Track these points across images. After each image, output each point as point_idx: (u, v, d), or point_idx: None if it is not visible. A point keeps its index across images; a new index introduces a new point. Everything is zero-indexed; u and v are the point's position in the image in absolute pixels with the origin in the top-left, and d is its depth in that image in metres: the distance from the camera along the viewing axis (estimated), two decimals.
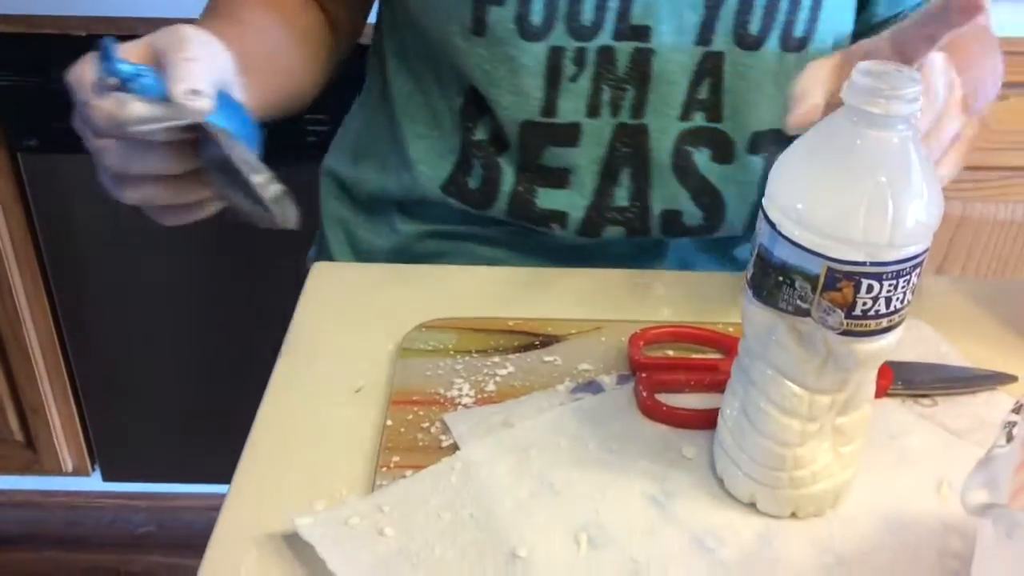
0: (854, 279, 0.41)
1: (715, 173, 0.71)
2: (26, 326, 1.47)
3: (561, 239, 0.74)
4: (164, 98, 0.45)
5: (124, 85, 0.45)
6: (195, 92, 0.45)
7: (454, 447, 0.54)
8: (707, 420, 0.54)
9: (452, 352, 0.61)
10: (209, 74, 0.47)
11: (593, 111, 0.68)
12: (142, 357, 1.52)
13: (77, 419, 1.58)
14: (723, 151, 0.70)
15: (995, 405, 0.57)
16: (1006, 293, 0.68)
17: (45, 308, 1.47)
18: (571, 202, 0.72)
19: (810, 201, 0.42)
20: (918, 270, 0.42)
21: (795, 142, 0.43)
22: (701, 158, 0.70)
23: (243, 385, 0.85)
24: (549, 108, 0.68)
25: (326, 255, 0.85)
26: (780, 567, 0.47)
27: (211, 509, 0.50)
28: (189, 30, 0.49)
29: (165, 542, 1.63)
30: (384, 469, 0.53)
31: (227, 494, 0.52)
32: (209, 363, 1.48)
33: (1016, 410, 0.38)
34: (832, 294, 0.42)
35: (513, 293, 0.69)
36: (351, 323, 0.65)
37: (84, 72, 0.46)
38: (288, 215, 0.48)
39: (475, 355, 0.61)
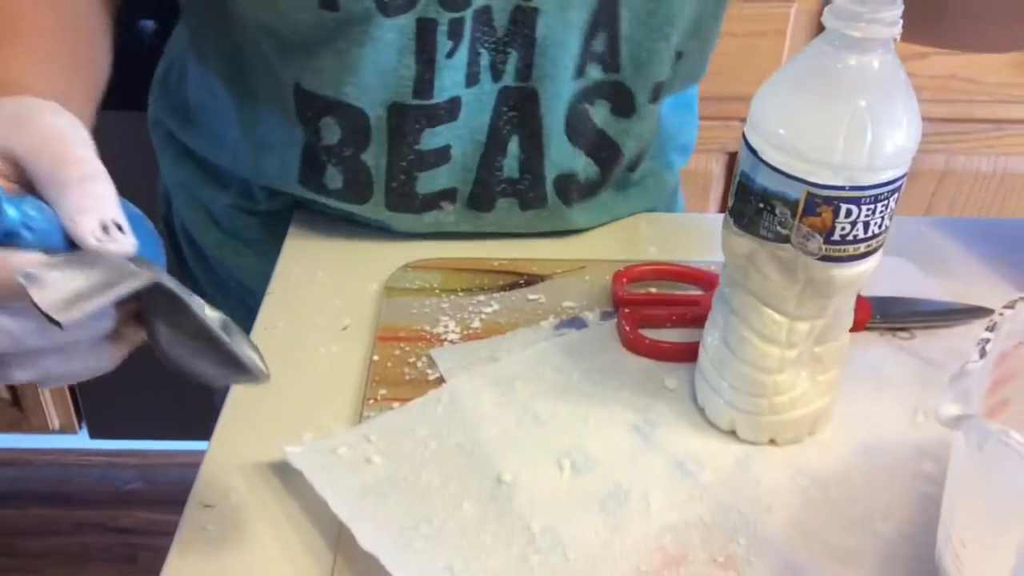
0: (833, 203, 0.42)
1: (613, 127, 0.64)
2: None
3: (454, 219, 0.67)
4: (64, 244, 0.34)
5: (5, 237, 0.33)
6: (108, 227, 0.34)
7: (440, 380, 0.55)
8: (688, 353, 0.54)
9: (437, 291, 0.62)
10: (113, 189, 0.36)
11: (472, 80, 0.59)
12: None
13: None
14: (623, 104, 0.63)
15: (972, 338, 0.57)
16: (984, 231, 0.69)
17: None
18: (455, 176, 0.64)
19: (791, 126, 0.42)
20: (896, 195, 0.43)
21: (779, 69, 0.44)
22: (599, 113, 0.63)
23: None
24: (422, 89, 0.58)
25: (177, 220, 0.76)
26: (758, 489, 0.48)
27: (198, 465, 0.50)
28: (52, 115, 0.37)
29: (152, 498, 1.64)
30: (371, 402, 0.53)
31: (216, 427, 0.53)
32: None
33: (990, 328, 0.39)
34: (811, 219, 0.43)
35: (498, 235, 0.69)
36: (335, 264, 0.65)
37: None
38: (261, 365, 0.39)
39: (460, 294, 0.62)
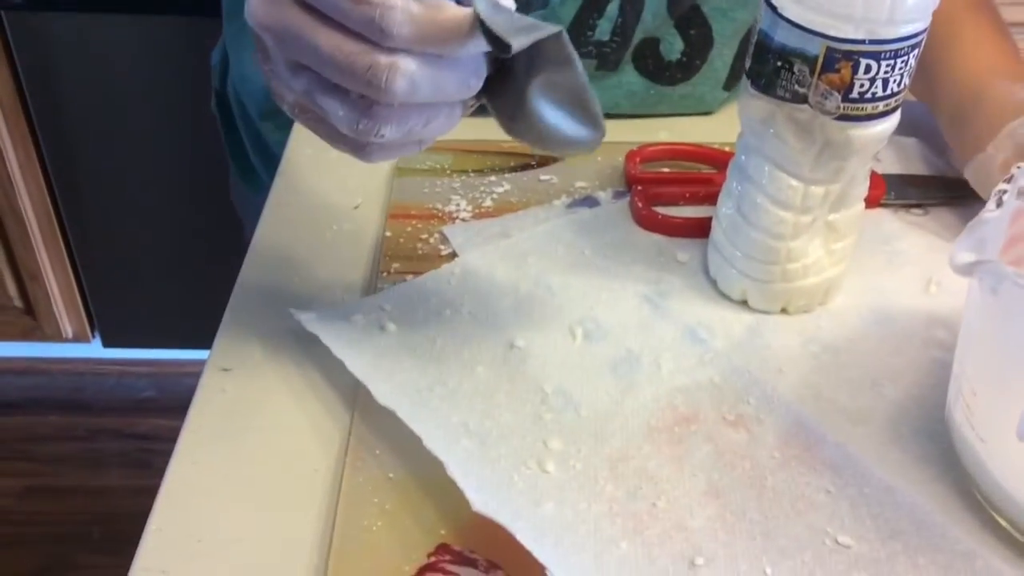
0: (852, 59, 0.41)
1: (709, 4, 0.64)
2: (19, 191, 1.46)
3: None
4: None
5: None
6: None
7: (453, 255, 0.55)
8: (701, 228, 0.54)
9: (448, 171, 0.62)
10: None
11: None
12: (138, 221, 1.52)
13: (75, 285, 1.59)
14: None
15: None
16: None
17: (37, 173, 1.46)
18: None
19: None
20: (916, 51, 0.42)
21: None
22: None
23: (242, 248, 0.85)
24: None
25: (231, 87, 0.79)
26: (769, 354, 0.48)
27: None
28: None
29: (167, 406, 1.67)
30: (384, 275, 0.54)
31: (229, 301, 0.53)
32: (207, 225, 1.48)
33: (1007, 179, 0.39)
34: (830, 76, 0.42)
35: None
36: None
37: None
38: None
39: (472, 174, 0.62)
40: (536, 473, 0.41)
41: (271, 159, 0.77)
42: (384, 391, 0.45)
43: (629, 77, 0.67)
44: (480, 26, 0.33)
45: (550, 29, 0.35)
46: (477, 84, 0.37)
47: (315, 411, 0.46)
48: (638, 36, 0.64)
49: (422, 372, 0.46)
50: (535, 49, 0.35)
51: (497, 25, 0.33)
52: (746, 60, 0.46)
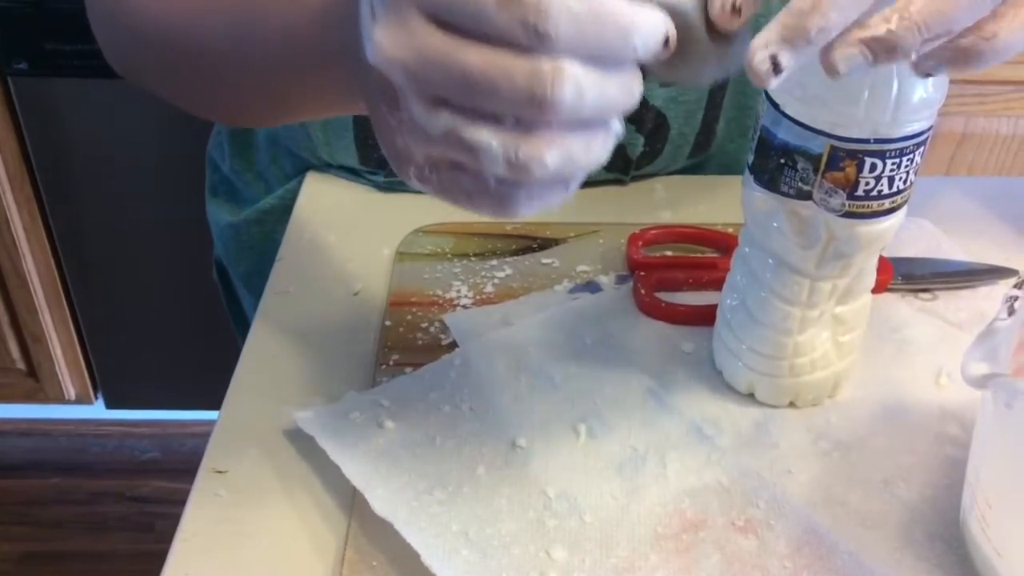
0: (857, 157, 0.41)
1: (660, 97, 0.65)
2: (23, 254, 1.46)
3: None
4: None
5: None
6: None
7: (453, 345, 0.54)
8: (706, 316, 0.53)
9: (449, 256, 0.61)
10: None
11: None
12: (141, 283, 1.52)
13: (78, 347, 1.58)
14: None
15: (995, 298, 0.56)
16: (1006, 191, 0.68)
17: (42, 236, 1.46)
18: None
19: (814, 77, 0.41)
20: (922, 149, 0.42)
21: None
22: (650, 86, 0.64)
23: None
24: None
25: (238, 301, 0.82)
26: (778, 452, 0.47)
27: None
28: None
29: (169, 467, 1.65)
30: (384, 367, 0.53)
31: (226, 393, 0.52)
32: (210, 288, 1.48)
33: (1018, 285, 0.38)
34: (834, 174, 0.42)
35: None
36: (346, 230, 0.64)
37: None
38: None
39: (473, 258, 0.61)
40: None
41: None
42: (381, 497, 0.43)
43: (599, 175, 0.68)
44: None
45: None
46: (639, 89, 0.31)
47: (311, 517, 0.45)
48: None
49: (421, 474, 0.45)
50: None
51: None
52: (748, 155, 0.45)
